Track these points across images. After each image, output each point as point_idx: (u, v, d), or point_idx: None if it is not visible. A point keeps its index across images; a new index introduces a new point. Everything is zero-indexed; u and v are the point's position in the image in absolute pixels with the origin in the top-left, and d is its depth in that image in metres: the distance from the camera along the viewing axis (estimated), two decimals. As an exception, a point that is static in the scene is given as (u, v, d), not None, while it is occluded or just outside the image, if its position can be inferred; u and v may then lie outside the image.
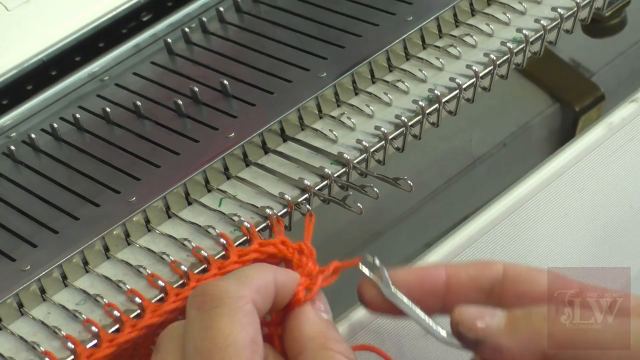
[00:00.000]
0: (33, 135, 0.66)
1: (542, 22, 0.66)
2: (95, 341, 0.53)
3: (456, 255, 0.61)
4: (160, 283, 0.55)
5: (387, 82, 0.65)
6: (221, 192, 0.60)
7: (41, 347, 0.53)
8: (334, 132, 0.62)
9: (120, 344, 0.53)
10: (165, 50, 0.72)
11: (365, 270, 0.53)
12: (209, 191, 0.61)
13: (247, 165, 0.62)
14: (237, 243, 0.57)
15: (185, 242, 0.57)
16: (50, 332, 0.54)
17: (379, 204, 0.58)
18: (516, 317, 0.49)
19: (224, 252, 0.56)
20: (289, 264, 0.55)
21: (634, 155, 0.69)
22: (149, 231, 0.59)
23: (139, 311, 0.54)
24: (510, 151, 0.86)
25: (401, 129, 0.62)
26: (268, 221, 0.58)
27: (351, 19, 0.69)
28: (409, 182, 0.58)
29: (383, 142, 0.61)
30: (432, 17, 0.67)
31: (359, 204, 0.58)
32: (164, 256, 0.56)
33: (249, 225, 0.57)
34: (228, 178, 0.61)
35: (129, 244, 0.58)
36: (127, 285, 0.55)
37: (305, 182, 0.59)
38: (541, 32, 0.66)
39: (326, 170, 0.60)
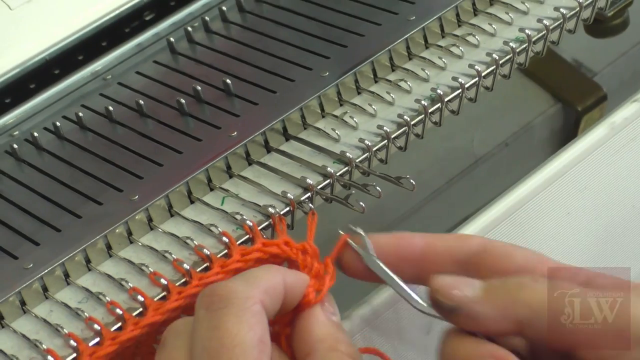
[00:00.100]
0: (36, 134, 0.66)
1: (544, 22, 0.66)
2: (97, 339, 0.53)
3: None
4: (163, 281, 0.55)
5: (389, 81, 0.65)
6: (224, 190, 0.60)
7: (43, 345, 0.53)
8: (336, 131, 0.62)
9: (123, 342, 0.53)
10: (167, 50, 0.72)
11: (348, 239, 0.54)
12: (211, 190, 0.61)
13: (250, 164, 0.62)
14: (239, 241, 0.57)
15: (188, 241, 0.57)
16: (52, 330, 0.54)
17: (381, 203, 0.58)
18: (493, 285, 0.50)
19: (226, 251, 0.56)
20: (293, 265, 0.55)
21: (636, 155, 0.69)
22: (152, 229, 0.59)
23: (141, 309, 0.54)
24: (512, 151, 0.86)
25: (404, 128, 0.62)
26: (270, 220, 0.58)
27: (354, 19, 0.69)
28: (411, 181, 0.58)
29: (385, 141, 0.61)
30: (435, 17, 0.67)
31: (361, 203, 0.58)
32: (166, 254, 0.57)
33: (251, 224, 0.57)
34: (230, 177, 0.61)
35: (131, 242, 0.58)
36: (129, 284, 0.55)
37: (308, 180, 0.59)
38: (544, 32, 0.66)
39: (328, 169, 0.60)
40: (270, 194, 0.59)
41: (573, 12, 0.67)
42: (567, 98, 0.88)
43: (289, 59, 0.67)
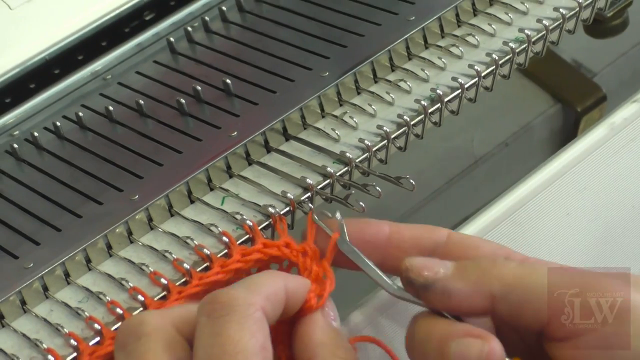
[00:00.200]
0: (36, 134, 0.66)
1: (544, 22, 0.66)
2: (97, 338, 0.53)
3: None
4: (163, 281, 0.55)
5: (389, 81, 0.65)
6: (224, 190, 0.61)
7: (44, 345, 0.53)
8: (336, 131, 0.62)
9: (123, 341, 0.53)
10: (167, 49, 0.72)
11: (321, 223, 0.55)
12: (211, 190, 0.61)
13: (250, 164, 0.62)
14: (239, 241, 0.57)
15: (188, 240, 0.57)
16: (52, 330, 0.54)
17: (381, 203, 0.59)
18: (465, 263, 0.51)
19: (226, 251, 0.56)
20: (293, 265, 0.55)
21: (636, 155, 0.69)
22: (152, 229, 0.59)
23: (141, 309, 0.54)
24: (512, 151, 0.86)
25: (403, 129, 0.62)
26: (270, 219, 0.58)
27: (354, 19, 0.69)
28: (411, 181, 0.58)
29: (385, 141, 0.61)
30: (435, 17, 0.67)
31: (361, 203, 0.58)
32: (166, 254, 0.57)
33: (251, 224, 0.57)
34: (230, 177, 0.61)
35: (131, 242, 0.58)
36: (129, 283, 0.55)
37: (308, 180, 0.59)
38: (543, 32, 0.66)
39: (328, 169, 0.60)
40: (270, 193, 0.59)
41: (572, 12, 0.68)
42: (566, 98, 0.88)
43: (289, 59, 0.67)
